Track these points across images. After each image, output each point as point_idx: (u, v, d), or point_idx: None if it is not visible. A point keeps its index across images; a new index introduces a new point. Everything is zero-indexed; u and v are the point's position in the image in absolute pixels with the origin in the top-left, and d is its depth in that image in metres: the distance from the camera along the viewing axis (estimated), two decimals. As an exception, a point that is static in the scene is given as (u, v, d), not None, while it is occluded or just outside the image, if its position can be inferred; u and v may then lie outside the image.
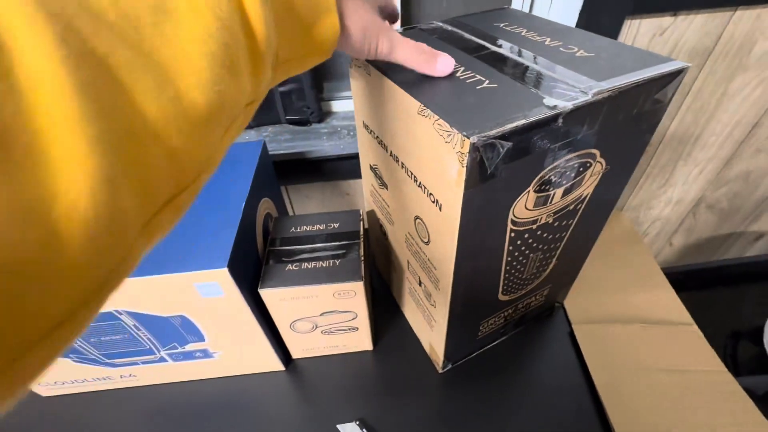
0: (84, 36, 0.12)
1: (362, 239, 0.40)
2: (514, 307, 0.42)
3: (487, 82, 0.25)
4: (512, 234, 0.30)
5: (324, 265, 0.38)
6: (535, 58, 0.28)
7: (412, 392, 0.43)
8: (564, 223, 0.33)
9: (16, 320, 0.11)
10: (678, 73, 0.26)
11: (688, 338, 0.45)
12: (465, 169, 0.22)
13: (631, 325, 0.47)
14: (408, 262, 0.40)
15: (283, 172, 0.62)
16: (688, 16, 0.54)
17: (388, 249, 0.46)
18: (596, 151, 0.27)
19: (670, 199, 0.82)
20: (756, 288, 1.04)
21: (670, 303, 0.50)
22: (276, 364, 0.45)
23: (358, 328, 0.43)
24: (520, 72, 0.27)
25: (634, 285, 0.52)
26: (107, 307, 0.34)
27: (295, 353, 0.46)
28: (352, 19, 0.22)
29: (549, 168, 0.26)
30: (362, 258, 0.38)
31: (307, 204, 0.72)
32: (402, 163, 0.31)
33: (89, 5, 0.13)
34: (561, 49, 0.30)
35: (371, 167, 0.40)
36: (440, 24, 0.36)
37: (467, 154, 0.21)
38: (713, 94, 0.64)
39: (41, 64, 0.11)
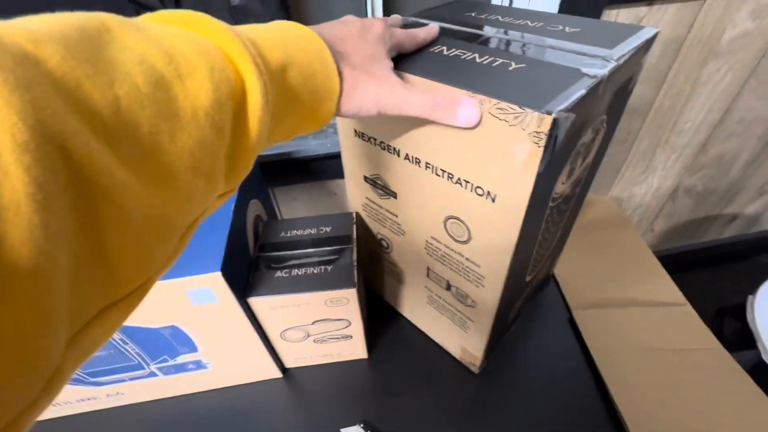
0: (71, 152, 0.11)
1: (355, 243, 0.39)
2: (530, 286, 0.41)
3: (514, 63, 0.25)
4: (548, 211, 0.29)
5: (315, 272, 0.37)
6: (538, 38, 0.29)
7: (413, 393, 0.42)
8: (575, 192, 0.34)
9: None
10: (654, 39, 0.29)
11: (683, 318, 0.46)
12: (542, 148, 0.21)
13: (628, 309, 0.47)
14: (428, 269, 0.38)
15: (269, 174, 0.60)
16: (662, 5, 0.55)
17: (389, 261, 0.44)
18: (606, 117, 0.28)
19: (650, 185, 0.84)
20: (734, 267, 1.09)
21: (663, 284, 0.51)
22: (273, 372, 0.43)
23: (351, 336, 0.42)
24: (535, 51, 0.27)
25: (627, 267, 0.53)
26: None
27: (287, 362, 0.44)
28: (349, 99, 0.22)
29: (582, 138, 0.26)
30: (355, 264, 0.37)
31: (295, 206, 0.70)
32: (426, 164, 0.29)
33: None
34: (548, 28, 0.30)
35: (368, 178, 0.37)
36: (413, 19, 0.35)
37: (545, 133, 0.20)
38: (687, 80, 0.66)
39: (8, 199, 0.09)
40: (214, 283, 0.31)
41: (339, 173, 0.64)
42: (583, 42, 0.27)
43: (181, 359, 0.38)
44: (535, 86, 0.22)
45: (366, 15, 0.58)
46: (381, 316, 0.49)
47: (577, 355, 0.44)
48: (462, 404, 0.41)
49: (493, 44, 0.28)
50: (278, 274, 0.36)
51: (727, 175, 0.87)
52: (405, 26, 0.33)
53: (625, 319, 0.47)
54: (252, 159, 0.18)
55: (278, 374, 0.44)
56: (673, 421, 0.37)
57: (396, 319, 0.49)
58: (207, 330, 0.36)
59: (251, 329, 0.36)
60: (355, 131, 0.34)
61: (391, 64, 0.24)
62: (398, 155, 0.31)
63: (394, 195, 0.35)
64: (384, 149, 0.32)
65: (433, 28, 0.29)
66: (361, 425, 0.39)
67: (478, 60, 0.26)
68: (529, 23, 0.32)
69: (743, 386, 0.40)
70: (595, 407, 0.40)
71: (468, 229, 0.30)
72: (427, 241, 0.35)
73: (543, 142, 0.21)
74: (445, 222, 0.31)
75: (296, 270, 0.37)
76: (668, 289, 0.50)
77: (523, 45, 0.28)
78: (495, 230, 0.27)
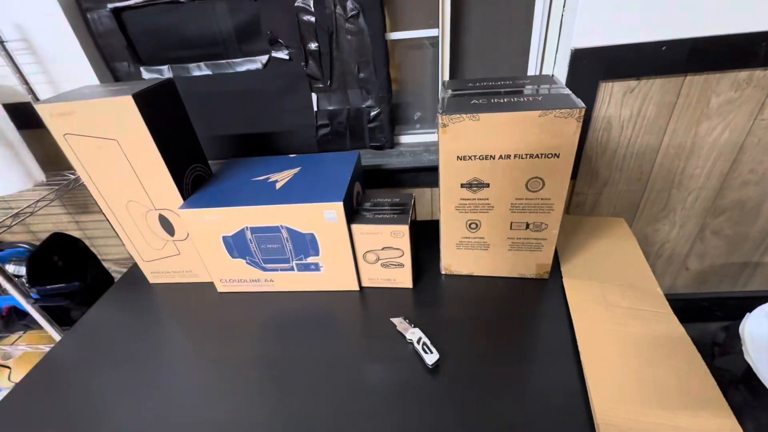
0: None
1: (412, 208, 0.68)
2: None
3: (540, 98, 0.55)
4: None
5: (387, 216, 0.66)
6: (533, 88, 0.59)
7: (444, 309, 0.67)
8: None
9: None
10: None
11: (651, 295, 0.63)
12: (581, 122, 0.50)
13: (607, 283, 0.66)
14: (511, 223, 0.63)
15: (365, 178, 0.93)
16: (649, 80, 0.78)
17: (475, 238, 0.67)
18: None
19: (673, 222, 0.98)
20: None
21: (642, 275, 0.68)
22: (354, 285, 0.71)
23: (403, 265, 0.68)
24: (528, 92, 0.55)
25: (620, 266, 0.71)
26: (275, 222, 0.64)
27: (363, 281, 0.72)
28: None
29: None
30: (410, 216, 0.65)
31: (377, 206, 1.01)
32: (515, 155, 0.55)
33: None
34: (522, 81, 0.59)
35: (464, 184, 0.59)
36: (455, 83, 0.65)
37: (582, 116, 0.50)
38: (687, 134, 0.84)
39: None
40: (338, 208, 0.61)
41: (409, 183, 0.94)
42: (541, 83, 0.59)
43: (310, 260, 0.69)
44: (561, 100, 0.52)
45: (438, 76, 0.91)
46: (424, 276, 0.75)
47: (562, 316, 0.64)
48: (458, 319, 0.64)
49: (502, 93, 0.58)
50: (367, 215, 0.66)
51: (755, 221, 0.96)
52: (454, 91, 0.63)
53: (602, 289, 0.65)
54: None
55: (357, 288, 0.72)
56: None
57: (433, 275, 0.74)
58: (328, 241, 0.66)
59: (349, 246, 0.66)
60: (458, 157, 0.57)
61: None
62: (494, 158, 0.56)
63: (487, 185, 0.59)
64: (482, 159, 0.56)
65: None
66: (403, 317, 0.65)
67: (515, 100, 0.55)
68: (514, 82, 0.61)
69: (685, 347, 0.56)
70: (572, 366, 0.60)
71: (542, 179, 0.56)
72: (511, 203, 0.60)
73: (581, 119, 0.50)
74: (526, 183, 0.57)
75: (377, 215, 0.66)
76: (646, 277, 0.67)
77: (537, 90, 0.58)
78: (559, 171, 0.55)
